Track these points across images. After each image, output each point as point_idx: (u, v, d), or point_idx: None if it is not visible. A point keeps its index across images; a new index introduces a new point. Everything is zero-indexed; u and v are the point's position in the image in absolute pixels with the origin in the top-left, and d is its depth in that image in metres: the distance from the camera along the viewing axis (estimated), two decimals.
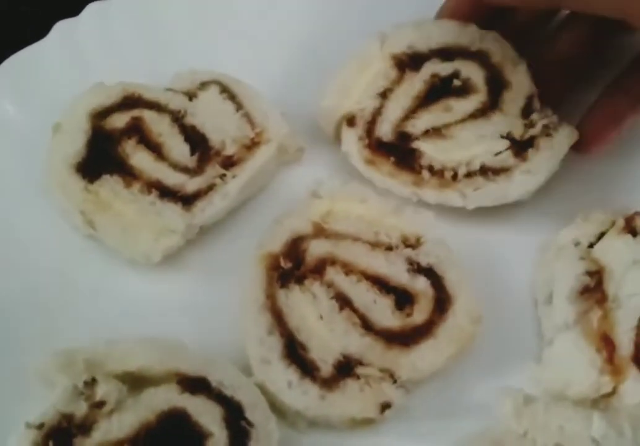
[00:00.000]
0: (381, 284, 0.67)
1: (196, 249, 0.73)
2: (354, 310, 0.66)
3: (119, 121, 0.75)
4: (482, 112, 0.75)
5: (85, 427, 0.58)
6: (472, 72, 0.76)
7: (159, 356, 0.61)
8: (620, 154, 0.78)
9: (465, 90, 0.76)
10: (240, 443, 0.58)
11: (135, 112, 0.75)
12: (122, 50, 0.83)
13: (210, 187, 0.73)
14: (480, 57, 0.76)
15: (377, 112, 0.76)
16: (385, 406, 0.62)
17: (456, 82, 0.76)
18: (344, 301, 0.66)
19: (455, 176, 0.72)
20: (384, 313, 0.66)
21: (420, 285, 0.67)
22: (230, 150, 0.75)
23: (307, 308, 0.66)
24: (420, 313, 0.66)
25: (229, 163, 0.74)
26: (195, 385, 0.61)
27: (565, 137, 0.73)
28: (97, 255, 0.73)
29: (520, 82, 0.75)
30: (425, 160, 0.73)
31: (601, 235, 0.70)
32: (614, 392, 0.62)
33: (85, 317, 0.70)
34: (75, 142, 0.73)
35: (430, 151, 0.73)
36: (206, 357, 0.63)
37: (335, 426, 0.63)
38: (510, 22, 0.78)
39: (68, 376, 0.60)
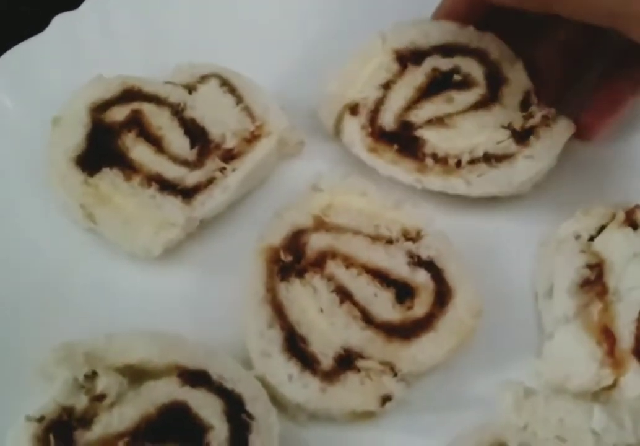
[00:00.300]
0: (382, 277, 0.67)
1: (196, 242, 0.73)
2: (355, 303, 0.66)
3: (118, 114, 0.75)
4: (482, 104, 0.75)
5: (85, 420, 0.58)
6: (472, 68, 0.77)
7: (159, 349, 0.62)
8: (620, 147, 0.78)
9: (465, 84, 0.77)
10: (241, 436, 0.59)
11: (135, 105, 0.75)
12: (122, 44, 0.82)
13: (211, 181, 0.73)
14: (478, 54, 0.78)
15: (379, 102, 0.76)
16: (385, 399, 0.62)
17: (456, 77, 0.77)
18: (344, 295, 0.66)
19: (459, 163, 0.72)
20: (384, 306, 0.66)
21: (421, 278, 0.67)
22: (230, 143, 0.75)
23: (307, 301, 0.66)
24: (420, 306, 0.66)
25: (229, 156, 0.74)
26: (196, 378, 0.61)
27: (563, 128, 0.74)
28: (97, 249, 0.72)
29: (517, 79, 0.77)
30: (428, 148, 0.73)
31: (601, 228, 0.70)
32: (614, 385, 0.62)
33: (86, 310, 0.69)
34: (74, 136, 0.73)
35: (434, 139, 0.74)
36: (207, 350, 0.63)
37: (336, 419, 0.63)
38: (507, 20, 0.77)
39: (68, 369, 0.60)
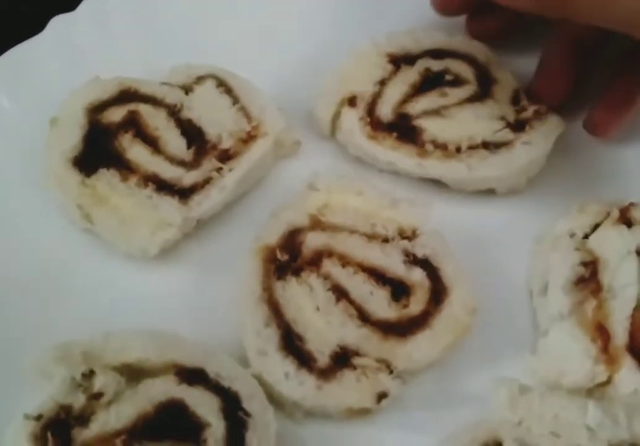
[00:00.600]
0: (377, 275, 0.67)
1: (193, 242, 0.74)
2: (351, 302, 0.66)
3: (115, 115, 0.75)
4: (476, 98, 0.77)
5: (83, 418, 0.59)
6: (462, 69, 0.79)
7: (156, 347, 0.62)
8: (614, 146, 0.79)
9: (457, 82, 0.78)
10: (238, 434, 0.59)
11: (132, 106, 0.75)
12: (118, 45, 0.83)
13: (207, 181, 0.73)
14: (467, 58, 0.80)
15: (376, 96, 0.77)
16: (381, 396, 0.62)
17: (448, 77, 0.78)
18: (340, 293, 0.66)
19: (458, 149, 0.73)
20: (380, 305, 0.66)
21: (417, 276, 0.67)
22: (226, 144, 0.75)
23: (303, 299, 0.66)
24: (416, 304, 0.66)
25: (226, 157, 0.74)
26: (193, 376, 0.61)
27: (554, 124, 0.75)
28: (94, 249, 0.73)
29: (506, 79, 0.79)
30: (427, 136, 0.74)
31: (596, 226, 0.70)
32: (608, 381, 0.63)
33: (83, 310, 0.70)
34: (72, 137, 0.73)
35: (431, 128, 0.75)
36: (204, 349, 0.63)
37: (332, 417, 0.64)
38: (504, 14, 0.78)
39: (66, 368, 0.60)
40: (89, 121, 0.74)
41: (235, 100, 0.77)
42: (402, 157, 0.74)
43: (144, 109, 0.76)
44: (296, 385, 0.62)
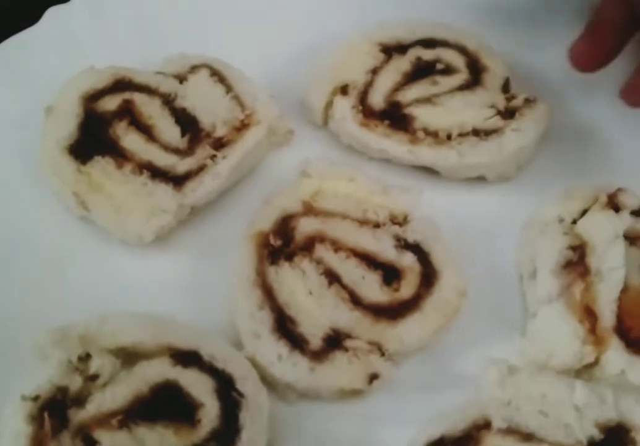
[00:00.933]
0: (369, 260, 0.68)
1: (188, 229, 0.74)
2: (343, 286, 0.67)
3: (110, 103, 0.76)
4: (466, 87, 0.78)
5: (79, 399, 0.59)
6: (453, 57, 0.81)
7: (151, 331, 0.63)
8: (602, 132, 0.80)
9: (448, 71, 0.80)
10: (232, 413, 0.60)
11: (126, 95, 0.76)
12: (113, 35, 0.84)
13: (201, 168, 0.74)
14: (458, 46, 0.81)
15: (368, 84, 0.79)
16: (373, 378, 0.63)
17: (439, 65, 0.80)
18: (332, 277, 0.67)
19: (449, 137, 0.75)
20: (372, 288, 0.67)
21: (407, 261, 0.68)
22: (220, 132, 0.76)
23: (296, 283, 0.67)
24: (407, 288, 0.67)
25: (220, 145, 0.75)
26: (188, 358, 0.62)
27: (544, 111, 0.76)
28: (90, 236, 0.73)
29: (497, 67, 0.81)
30: (418, 124, 0.76)
31: (584, 212, 0.71)
32: (596, 362, 0.64)
33: (80, 296, 0.70)
34: (67, 125, 0.74)
35: (422, 116, 0.76)
36: (198, 332, 0.64)
37: (325, 398, 0.64)
38: None
39: (63, 351, 0.61)
40: (84, 110, 0.75)
41: (229, 89, 0.78)
42: (394, 144, 0.75)
43: (138, 98, 0.76)
44: (289, 366, 0.63)
